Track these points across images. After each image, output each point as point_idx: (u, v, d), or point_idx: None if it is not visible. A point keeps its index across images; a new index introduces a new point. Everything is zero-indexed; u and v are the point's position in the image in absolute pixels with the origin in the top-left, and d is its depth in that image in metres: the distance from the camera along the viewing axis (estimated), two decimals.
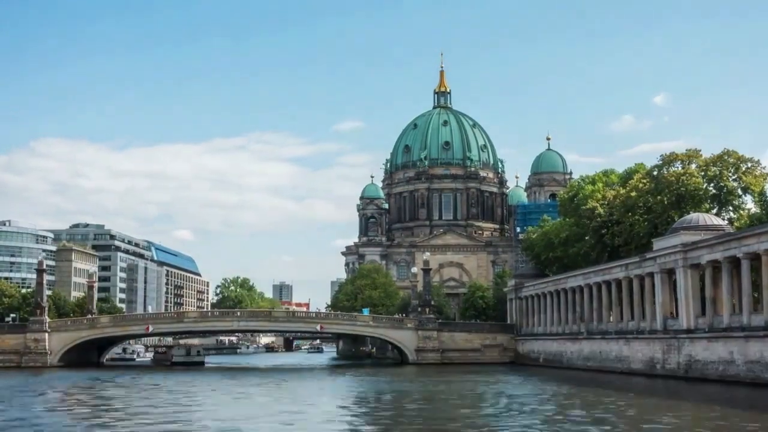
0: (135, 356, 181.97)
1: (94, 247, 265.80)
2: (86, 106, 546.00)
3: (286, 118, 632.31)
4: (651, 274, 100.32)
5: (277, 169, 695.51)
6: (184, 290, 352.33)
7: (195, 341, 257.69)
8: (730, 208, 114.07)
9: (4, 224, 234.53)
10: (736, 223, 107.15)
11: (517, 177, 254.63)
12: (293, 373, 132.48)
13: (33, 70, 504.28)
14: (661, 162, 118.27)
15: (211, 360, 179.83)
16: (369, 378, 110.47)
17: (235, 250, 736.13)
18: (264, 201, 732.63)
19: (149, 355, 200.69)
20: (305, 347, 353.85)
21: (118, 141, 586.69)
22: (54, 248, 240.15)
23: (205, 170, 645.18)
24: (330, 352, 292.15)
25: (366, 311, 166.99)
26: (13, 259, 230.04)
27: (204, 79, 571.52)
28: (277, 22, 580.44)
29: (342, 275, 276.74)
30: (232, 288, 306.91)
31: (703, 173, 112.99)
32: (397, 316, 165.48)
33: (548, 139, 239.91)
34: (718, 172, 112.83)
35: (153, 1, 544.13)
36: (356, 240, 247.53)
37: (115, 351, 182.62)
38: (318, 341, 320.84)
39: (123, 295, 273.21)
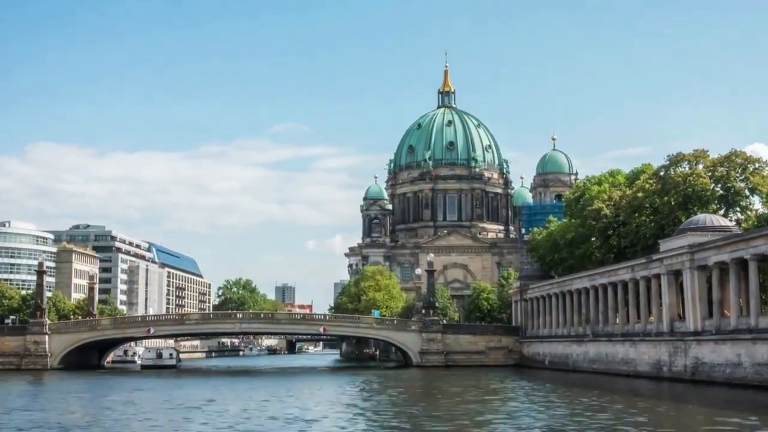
0: (136, 358, 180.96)
1: (94, 248, 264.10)
2: (71, 112, 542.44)
3: (282, 120, 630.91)
4: (657, 276, 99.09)
5: (258, 173, 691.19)
6: (186, 292, 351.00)
7: (196, 343, 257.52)
8: (738, 209, 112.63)
9: (4, 225, 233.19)
10: (743, 224, 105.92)
11: (522, 177, 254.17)
12: (266, 383, 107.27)
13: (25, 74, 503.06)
14: (667, 162, 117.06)
15: (213, 362, 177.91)
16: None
17: (220, 253, 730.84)
18: (247, 204, 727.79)
19: None
20: (314, 349, 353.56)
21: (101, 147, 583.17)
22: (54, 249, 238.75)
23: (187, 176, 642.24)
24: (333, 354, 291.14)
25: (377, 313, 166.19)
26: (12, 261, 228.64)
27: (203, 78, 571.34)
28: (276, 20, 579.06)
29: (345, 277, 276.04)
30: (234, 290, 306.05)
31: (710, 174, 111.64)
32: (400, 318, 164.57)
33: (554, 139, 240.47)
34: (725, 173, 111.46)
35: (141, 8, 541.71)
36: (359, 241, 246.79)
37: (117, 353, 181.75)
38: (320, 344, 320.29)
39: (124, 297, 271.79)
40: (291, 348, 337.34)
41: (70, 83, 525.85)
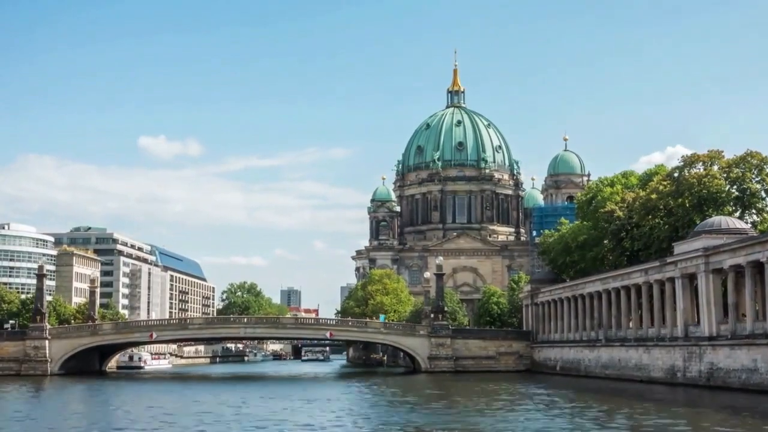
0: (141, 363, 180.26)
1: (96, 251, 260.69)
2: (46, 122, 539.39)
3: (285, 120, 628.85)
4: (671, 279, 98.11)
5: (257, 174, 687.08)
6: (189, 296, 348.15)
7: (200, 348, 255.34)
8: (753, 210, 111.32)
9: (3, 227, 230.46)
10: (759, 227, 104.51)
11: (533, 179, 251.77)
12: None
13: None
14: (682, 163, 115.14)
15: (216, 369, 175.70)
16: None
17: (222, 255, 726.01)
18: (248, 206, 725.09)
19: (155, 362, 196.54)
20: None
21: (65, 158, 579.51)
22: (54, 252, 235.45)
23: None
24: (340, 359, 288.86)
25: (384, 318, 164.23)
26: (12, 264, 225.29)
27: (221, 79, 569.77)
28: (282, 21, 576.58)
29: (352, 280, 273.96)
30: (239, 294, 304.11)
31: (725, 175, 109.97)
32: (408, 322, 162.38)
33: (565, 139, 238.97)
34: (740, 174, 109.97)
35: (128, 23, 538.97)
36: (367, 244, 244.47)
37: (121, 358, 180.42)
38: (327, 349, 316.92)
39: (126, 301, 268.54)
40: (297, 353, 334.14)
41: (48, 90, 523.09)
